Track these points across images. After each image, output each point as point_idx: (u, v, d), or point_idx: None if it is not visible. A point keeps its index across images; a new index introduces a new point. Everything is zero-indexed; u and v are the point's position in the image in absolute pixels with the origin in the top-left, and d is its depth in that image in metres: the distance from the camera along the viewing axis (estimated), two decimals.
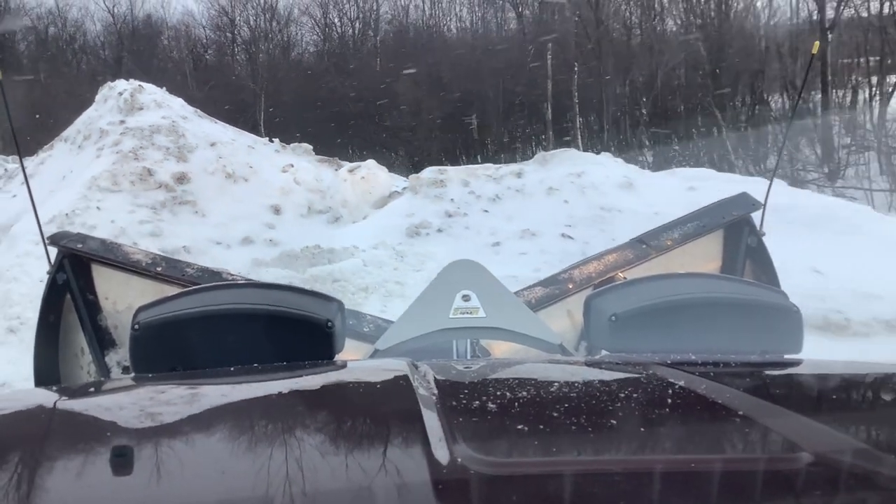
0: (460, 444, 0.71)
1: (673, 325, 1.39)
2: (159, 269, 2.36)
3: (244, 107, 22.00)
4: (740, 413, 0.81)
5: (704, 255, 2.48)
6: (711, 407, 0.86)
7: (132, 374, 1.47)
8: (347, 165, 8.02)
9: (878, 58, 16.36)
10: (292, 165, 7.70)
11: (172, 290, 1.99)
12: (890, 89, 16.48)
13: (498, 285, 1.68)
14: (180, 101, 8.09)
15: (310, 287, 5.53)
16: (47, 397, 1.15)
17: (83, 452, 0.79)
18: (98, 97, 7.93)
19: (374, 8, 26.02)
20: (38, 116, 16.92)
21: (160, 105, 7.58)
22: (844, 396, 1.00)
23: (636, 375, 1.04)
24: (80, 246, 2.38)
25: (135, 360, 1.39)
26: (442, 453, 0.69)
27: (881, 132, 15.82)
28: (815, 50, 2.66)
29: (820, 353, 1.40)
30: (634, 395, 0.92)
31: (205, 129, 7.71)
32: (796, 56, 17.93)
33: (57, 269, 2.33)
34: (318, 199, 7.48)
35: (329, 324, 1.37)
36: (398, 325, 1.63)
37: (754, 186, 5.27)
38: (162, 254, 2.50)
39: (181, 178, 6.95)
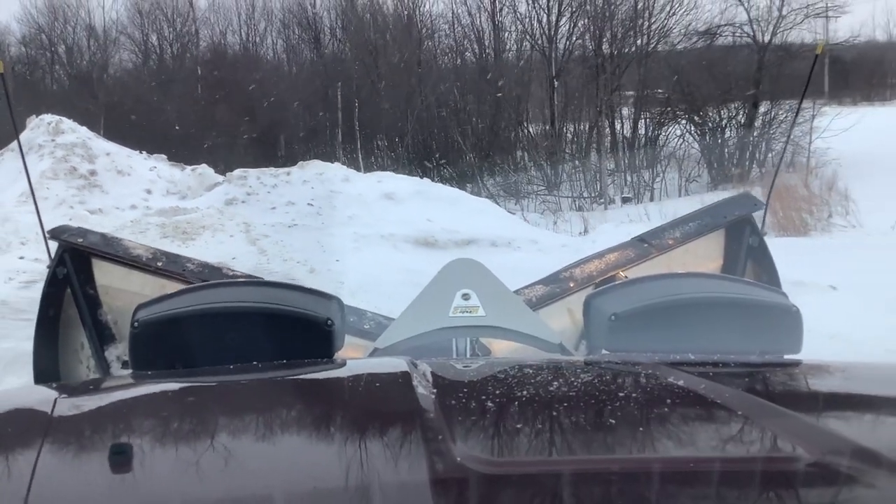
0: (460, 442, 0.70)
1: (673, 325, 1.36)
2: (160, 264, 2.33)
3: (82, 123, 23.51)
4: (740, 413, 0.80)
5: (706, 255, 2.45)
6: (711, 407, 0.85)
7: (131, 372, 1.47)
8: (190, 167, 12.80)
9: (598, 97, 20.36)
10: (156, 167, 12.93)
11: (173, 286, 2.05)
12: (590, 126, 21.90)
13: (498, 284, 1.63)
14: (85, 128, 12.91)
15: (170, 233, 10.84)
16: (47, 395, 1.12)
17: (83, 450, 0.79)
18: (31, 125, 12.44)
19: (193, 31, 26.52)
20: None
21: (74, 131, 12.39)
22: (844, 397, 0.99)
23: (636, 375, 1.01)
24: (80, 240, 2.35)
25: (134, 358, 1.37)
26: (441, 452, 0.68)
27: (587, 159, 21.89)
28: (818, 50, 3.02)
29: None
30: (634, 395, 0.90)
31: (102, 145, 12.65)
32: (527, 97, 22.63)
33: (57, 263, 2.29)
34: (172, 186, 12.23)
35: (329, 322, 1.34)
36: (398, 324, 1.59)
37: (421, 183, 12.14)
38: (162, 249, 2.52)
39: (92, 173, 11.96)
